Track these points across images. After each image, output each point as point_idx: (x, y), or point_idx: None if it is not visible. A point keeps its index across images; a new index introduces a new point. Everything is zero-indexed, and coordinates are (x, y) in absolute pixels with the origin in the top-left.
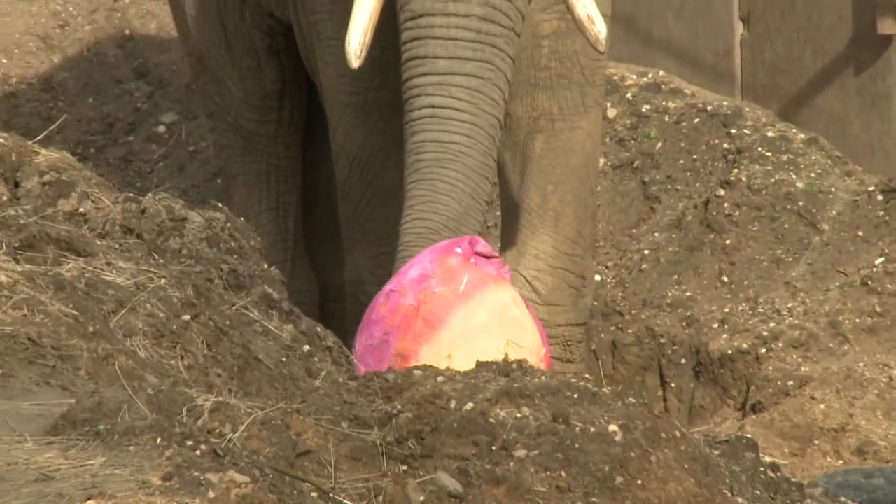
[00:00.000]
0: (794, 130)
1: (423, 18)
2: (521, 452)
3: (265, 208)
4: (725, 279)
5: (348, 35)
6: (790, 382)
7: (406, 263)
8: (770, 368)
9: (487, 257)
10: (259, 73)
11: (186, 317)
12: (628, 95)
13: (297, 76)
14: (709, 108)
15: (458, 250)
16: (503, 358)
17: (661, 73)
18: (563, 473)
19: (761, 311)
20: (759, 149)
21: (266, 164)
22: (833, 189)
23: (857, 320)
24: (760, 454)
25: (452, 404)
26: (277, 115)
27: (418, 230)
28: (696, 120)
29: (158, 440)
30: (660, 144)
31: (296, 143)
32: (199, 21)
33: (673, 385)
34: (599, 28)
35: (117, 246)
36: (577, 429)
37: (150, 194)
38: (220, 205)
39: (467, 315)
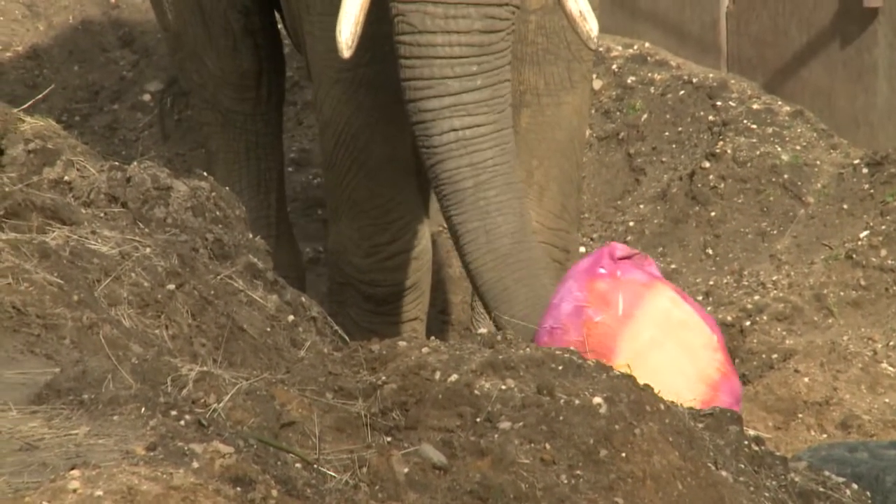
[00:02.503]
0: (779, 103)
1: (422, 36)
2: (505, 424)
3: (246, 185)
4: (710, 251)
5: (339, 25)
6: (774, 355)
7: (555, 295)
8: (754, 341)
9: (629, 258)
10: (235, 53)
11: (171, 286)
12: (614, 67)
13: (273, 54)
14: (694, 80)
15: (602, 270)
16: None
17: (647, 44)
18: (547, 446)
19: (746, 283)
20: (745, 121)
21: (245, 142)
22: (818, 162)
23: (842, 293)
24: (744, 427)
25: (437, 375)
26: (255, 94)
27: (493, 262)
28: (682, 92)
29: (142, 410)
30: (645, 116)
31: (275, 120)
32: (175, 1)
33: None
34: (592, 25)
35: (102, 214)
36: (562, 401)
37: (135, 163)
38: (205, 174)
39: (633, 336)
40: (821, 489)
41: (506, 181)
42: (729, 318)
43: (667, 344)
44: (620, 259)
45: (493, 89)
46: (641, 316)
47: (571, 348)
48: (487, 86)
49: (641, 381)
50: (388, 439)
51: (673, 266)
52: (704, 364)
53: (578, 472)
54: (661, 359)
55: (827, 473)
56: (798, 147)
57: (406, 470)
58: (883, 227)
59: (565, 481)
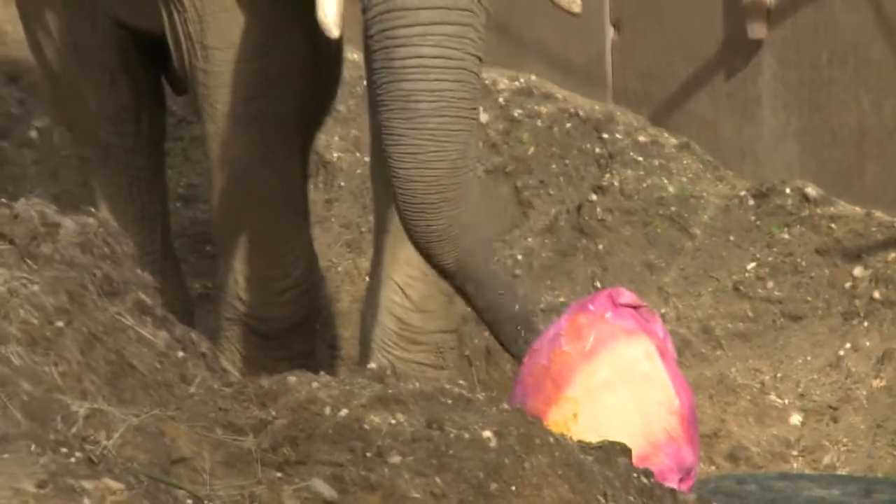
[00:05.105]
0: (665, 135)
1: None
2: (395, 458)
3: (130, 221)
4: (598, 284)
5: (321, 5)
6: None
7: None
8: None
9: (635, 307)
10: (113, 88)
11: (60, 323)
12: (500, 100)
13: (153, 88)
14: (581, 112)
15: (591, 307)
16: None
17: (533, 77)
18: (437, 479)
19: None
20: (631, 153)
21: (127, 177)
22: (704, 194)
23: (729, 325)
24: (634, 460)
25: (327, 410)
26: (135, 128)
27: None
28: (569, 125)
29: (33, 447)
30: (532, 149)
31: (156, 154)
32: (50, 35)
33: None
34: None
35: None
36: (452, 435)
37: (22, 199)
38: (93, 210)
39: (591, 373)
40: None
41: (460, 111)
42: None
43: (620, 389)
44: (622, 305)
45: (467, 28)
46: (605, 356)
47: (459, 382)
48: (461, 23)
49: (586, 419)
50: (279, 474)
51: (561, 299)
52: (652, 421)
53: None
54: (610, 402)
55: None
56: (684, 179)
57: None
58: (769, 258)
59: None
